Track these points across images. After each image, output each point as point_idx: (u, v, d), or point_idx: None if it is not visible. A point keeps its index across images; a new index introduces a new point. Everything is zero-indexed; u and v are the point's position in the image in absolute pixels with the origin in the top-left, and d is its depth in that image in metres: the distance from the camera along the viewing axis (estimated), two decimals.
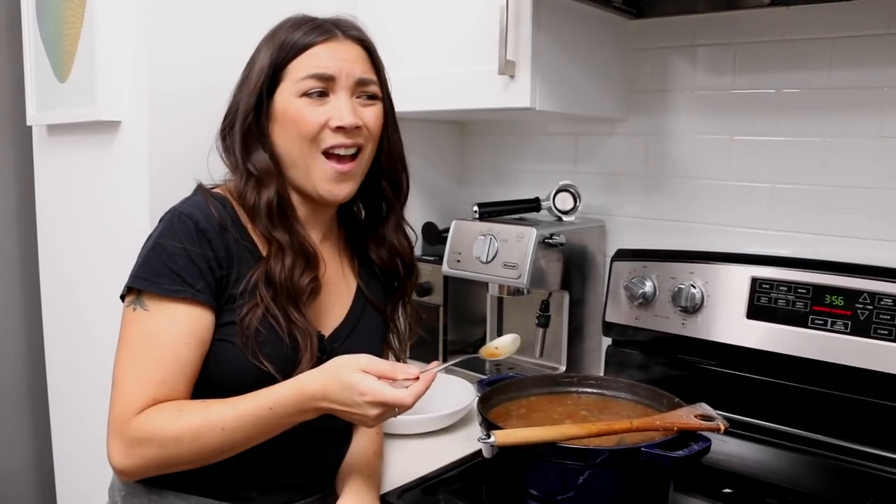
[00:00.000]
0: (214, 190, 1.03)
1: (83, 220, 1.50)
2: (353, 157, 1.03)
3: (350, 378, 0.89)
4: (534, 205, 1.67)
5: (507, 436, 0.95)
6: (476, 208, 1.60)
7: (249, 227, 1.01)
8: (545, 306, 1.61)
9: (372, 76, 1.05)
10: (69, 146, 1.52)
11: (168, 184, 1.34)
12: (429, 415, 1.37)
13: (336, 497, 1.07)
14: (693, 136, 1.57)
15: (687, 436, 1.02)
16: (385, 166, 1.10)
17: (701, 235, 1.58)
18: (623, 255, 1.59)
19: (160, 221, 0.99)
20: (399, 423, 1.29)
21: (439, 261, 1.73)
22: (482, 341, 1.84)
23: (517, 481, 1.05)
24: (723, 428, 1.02)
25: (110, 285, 1.43)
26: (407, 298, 1.18)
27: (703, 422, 1.03)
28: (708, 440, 1.00)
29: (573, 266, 1.63)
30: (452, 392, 1.47)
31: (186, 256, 0.93)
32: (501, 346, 1.09)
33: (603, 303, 1.68)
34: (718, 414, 1.06)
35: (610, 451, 0.99)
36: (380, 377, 0.89)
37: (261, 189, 1.00)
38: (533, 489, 1.03)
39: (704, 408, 1.08)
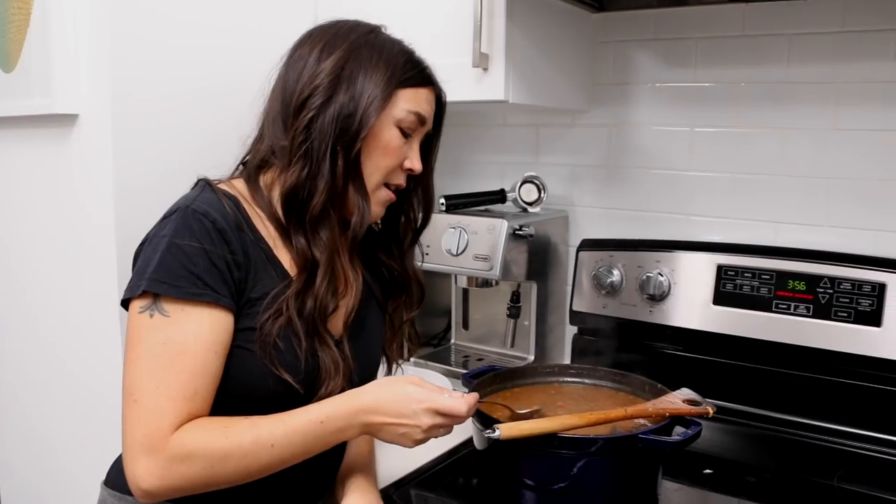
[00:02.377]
0: (220, 186, 0.98)
1: (35, 218, 1.42)
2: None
3: (406, 388, 0.91)
4: (499, 196, 1.68)
5: (511, 429, 0.95)
6: (443, 200, 1.59)
7: (261, 228, 0.97)
8: (516, 297, 1.62)
9: (433, 130, 1.09)
10: (18, 140, 1.43)
11: (134, 179, 1.30)
12: None
13: (335, 501, 1.05)
14: (655, 127, 1.62)
15: (674, 421, 1.06)
16: (423, 197, 1.12)
17: (663, 224, 1.62)
18: (588, 244, 1.62)
19: (166, 218, 0.93)
20: None
21: None
22: (447, 332, 1.85)
23: (512, 472, 1.06)
24: (711, 412, 1.06)
25: (69, 287, 1.38)
26: (411, 317, 1.18)
27: (692, 407, 1.07)
28: (699, 424, 1.03)
29: (538, 257, 1.65)
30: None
31: (206, 257, 0.89)
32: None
33: (567, 292, 1.71)
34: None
35: (606, 440, 1.01)
36: None
37: (346, 204, 1.00)
38: (529, 479, 1.04)
39: (690, 393, 1.12)
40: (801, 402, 1.36)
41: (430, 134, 1.08)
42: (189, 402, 0.86)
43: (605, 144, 1.68)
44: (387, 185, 1.03)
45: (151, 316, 0.87)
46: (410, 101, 1.01)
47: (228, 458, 0.86)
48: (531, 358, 1.66)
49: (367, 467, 1.11)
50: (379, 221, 1.14)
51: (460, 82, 1.39)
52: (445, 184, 1.93)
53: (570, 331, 1.69)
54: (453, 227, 1.55)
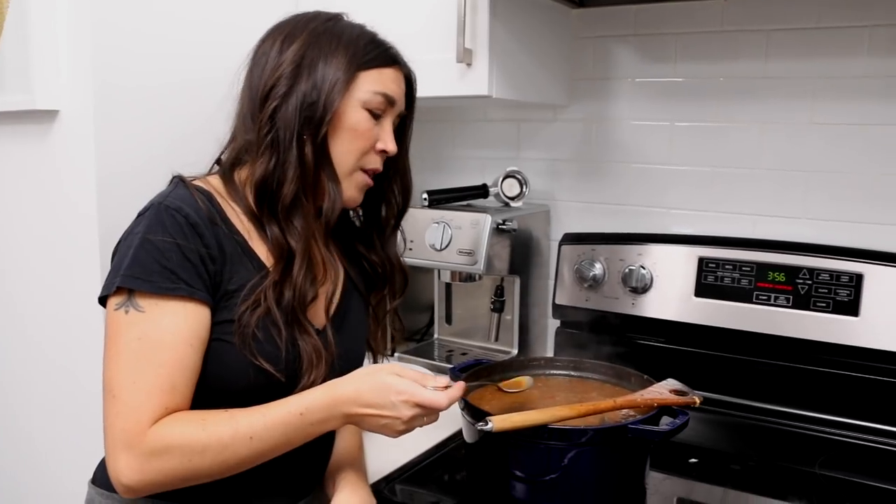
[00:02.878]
0: (194, 182, 0.98)
1: (16, 217, 1.39)
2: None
3: (386, 379, 0.90)
4: (481, 191, 1.68)
5: (504, 421, 0.96)
6: (425, 195, 1.60)
7: (236, 221, 0.97)
8: (500, 291, 1.63)
9: (406, 112, 1.08)
10: None
11: (117, 176, 1.28)
12: None
13: (326, 497, 1.05)
14: (635, 122, 1.63)
15: (662, 411, 1.07)
16: (402, 178, 1.12)
17: (643, 218, 1.64)
18: (570, 238, 1.63)
19: (140, 216, 0.93)
20: None
21: None
22: (429, 328, 1.85)
23: (502, 464, 1.06)
24: (698, 402, 1.08)
25: (52, 285, 1.36)
26: (395, 304, 1.18)
27: (679, 397, 1.08)
28: (686, 414, 1.04)
29: (520, 251, 1.65)
30: None
31: (179, 252, 0.89)
32: (525, 381, 1.16)
33: (548, 286, 1.73)
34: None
35: (596, 430, 1.02)
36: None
37: (317, 191, 0.98)
38: (519, 471, 1.05)
39: (676, 384, 1.13)
40: (782, 391, 1.39)
41: (403, 116, 1.08)
42: (167, 395, 0.86)
43: (586, 139, 1.70)
44: (363, 170, 1.03)
45: (127, 312, 0.87)
46: (375, 83, 1.00)
47: (206, 450, 0.86)
48: (515, 352, 1.67)
49: (357, 462, 1.11)
50: (360, 211, 1.14)
51: (443, 77, 1.40)
52: (427, 179, 1.93)
53: (553, 324, 1.71)
54: (437, 222, 1.55)
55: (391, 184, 1.11)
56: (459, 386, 0.95)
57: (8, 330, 1.46)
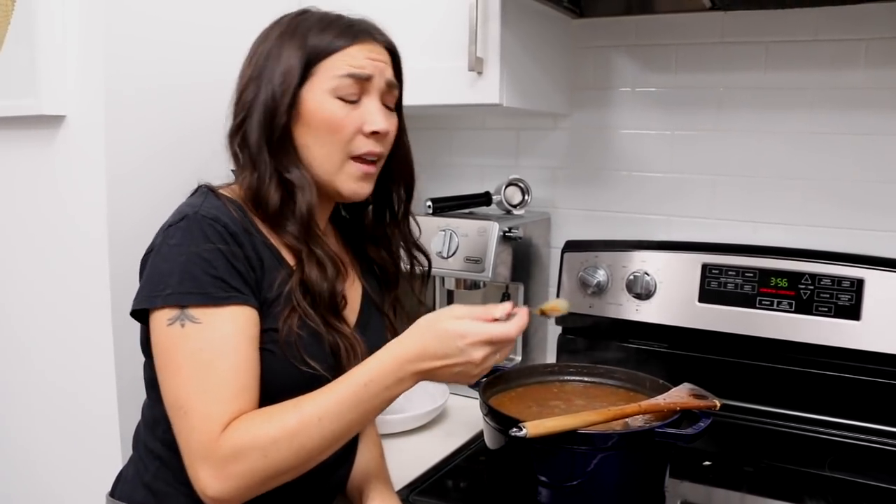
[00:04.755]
0: (222, 192, 0.97)
1: (19, 226, 1.36)
2: (374, 163, 1.01)
3: (447, 325, 0.86)
4: (484, 199, 1.69)
5: (537, 427, 0.97)
6: (429, 203, 1.60)
7: (265, 231, 0.96)
8: (506, 298, 1.64)
9: (396, 82, 1.04)
10: None
11: (127, 185, 1.26)
12: (408, 413, 1.37)
13: None
14: (635, 131, 1.66)
15: (682, 416, 1.09)
16: (403, 172, 1.09)
17: (643, 226, 1.67)
18: (573, 246, 1.65)
19: (170, 227, 0.91)
20: (378, 422, 1.27)
21: None
22: None
23: (526, 470, 1.07)
24: (718, 405, 1.10)
25: (56, 299, 1.32)
26: (422, 287, 1.16)
27: (700, 401, 1.10)
28: (709, 417, 1.06)
29: (521, 258, 1.66)
30: (424, 388, 1.46)
31: (224, 259, 0.87)
32: (562, 305, 1.06)
33: (549, 293, 1.74)
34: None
35: (623, 434, 1.04)
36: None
37: (296, 196, 0.95)
38: (544, 476, 1.06)
39: (694, 388, 1.15)
40: (785, 394, 1.42)
41: (394, 87, 1.03)
42: (238, 398, 0.85)
43: (586, 148, 1.72)
44: (355, 158, 0.99)
45: (183, 326, 0.85)
46: (339, 66, 0.96)
47: (278, 441, 0.83)
48: (518, 359, 1.68)
49: (384, 472, 1.11)
50: (370, 207, 1.12)
51: (454, 86, 1.41)
52: (424, 186, 1.90)
53: (554, 331, 1.72)
54: (443, 230, 1.56)
55: (393, 178, 1.09)
56: (524, 311, 0.90)
57: (13, 342, 1.42)
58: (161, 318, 0.87)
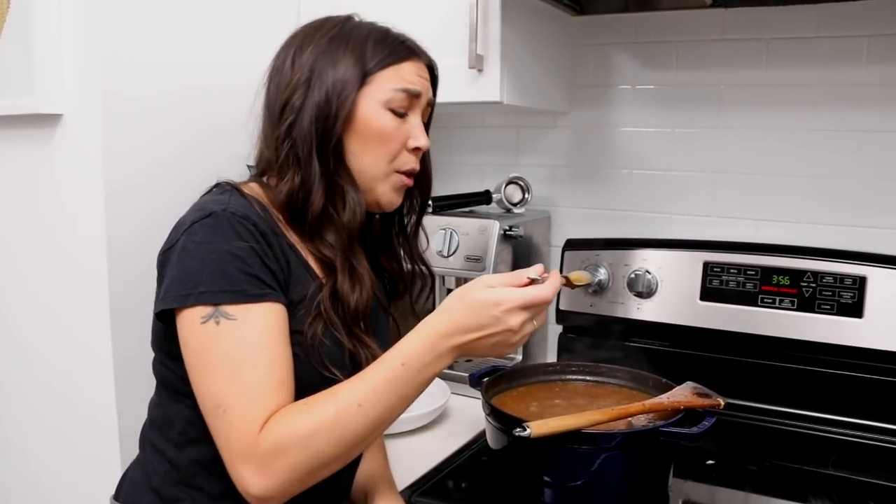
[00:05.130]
0: (244, 190, 0.96)
1: (14, 226, 1.34)
2: (413, 175, 1.03)
3: (479, 295, 0.85)
4: (484, 197, 1.69)
5: (541, 427, 0.96)
6: (429, 202, 1.59)
7: (287, 233, 0.95)
8: None
9: (434, 101, 1.06)
10: None
11: (124, 184, 1.25)
12: (409, 413, 1.35)
13: None
14: (636, 128, 1.65)
15: (686, 415, 1.08)
16: (422, 185, 1.10)
17: (644, 224, 1.66)
18: (574, 244, 1.64)
19: (196, 223, 0.88)
20: None
21: None
22: None
23: (530, 470, 1.06)
24: (722, 404, 1.09)
25: (53, 299, 1.31)
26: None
27: (705, 399, 1.09)
28: (714, 416, 1.05)
29: (522, 257, 1.66)
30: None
31: (256, 256, 0.86)
32: (586, 276, 1.07)
33: None
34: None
35: (627, 434, 1.03)
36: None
37: (346, 205, 0.96)
38: (548, 476, 1.05)
39: (697, 387, 1.15)
40: (788, 393, 1.42)
41: (432, 106, 1.06)
42: (277, 393, 0.84)
43: (587, 145, 1.71)
44: (399, 172, 1.00)
45: (218, 323, 0.84)
46: (394, 80, 0.98)
47: (318, 433, 0.82)
48: (518, 358, 1.67)
49: (388, 475, 1.10)
50: (377, 215, 1.11)
51: (454, 83, 1.39)
52: None
53: (554, 330, 1.71)
54: (443, 229, 1.55)
55: (417, 189, 1.09)
56: (556, 274, 0.89)
57: (9, 344, 1.41)
58: (193, 317, 0.85)
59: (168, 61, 1.31)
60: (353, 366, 0.94)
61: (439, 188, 1.84)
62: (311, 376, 0.90)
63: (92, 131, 1.22)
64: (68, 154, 1.26)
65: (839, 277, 1.37)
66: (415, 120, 1.01)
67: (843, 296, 1.36)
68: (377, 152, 0.98)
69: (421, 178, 1.08)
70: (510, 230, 1.54)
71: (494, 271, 1.52)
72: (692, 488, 1.18)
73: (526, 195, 1.67)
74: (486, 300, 0.84)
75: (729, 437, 1.37)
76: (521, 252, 1.64)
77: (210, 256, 0.85)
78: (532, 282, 0.88)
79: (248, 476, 0.81)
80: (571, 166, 1.74)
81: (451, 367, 1.66)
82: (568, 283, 1.03)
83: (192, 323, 0.85)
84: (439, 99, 1.42)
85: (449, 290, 1.75)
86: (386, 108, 0.98)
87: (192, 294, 0.85)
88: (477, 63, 1.35)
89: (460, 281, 1.62)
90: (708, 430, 1.02)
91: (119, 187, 1.24)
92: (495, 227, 1.51)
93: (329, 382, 0.90)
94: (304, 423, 0.82)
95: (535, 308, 0.86)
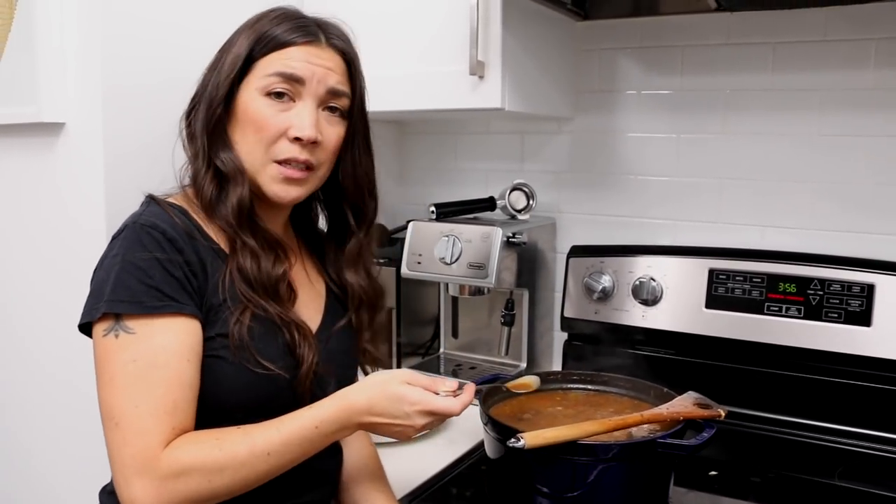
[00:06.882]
0: (168, 199, 0.96)
1: (18, 234, 1.36)
2: (304, 170, 0.97)
3: (398, 390, 0.89)
4: (488, 204, 1.68)
5: (535, 437, 0.95)
6: (433, 209, 1.58)
7: (212, 232, 0.95)
8: (510, 305, 1.62)
9: (345, 89, 0.99)
10: None
11: (126, 192, 1.23)
12: None
13: None
14: (641, 134, 1.64)
15: (686, 425, 1.07)
16: (349, 190, 1.05)
17: (650, 230, 1.64)
18: (578, 251, 1.63)
19: (114, 239, 0.90)
20: None
21: (389, 263, 1.71)
22: (433, 341, 1.83)
23: (526, 480, 1.05)
24: (723, 414, 1.07)
25: (56, 305, 1.32)
26: (368, 326, 1.13)
27: (705, 410, 1.08)
28: (713, 427, 1.04)
29: (526, 263, 1.65)
30: None
31: (161, 268, 0.86)
32: (533, 381, 1.13)
33: (554, 298, 1.72)
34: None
35: (624, 445, 1.02)
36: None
37: (229, 186, 0.95)
38: (544, 486, 1.04)
39: (699, 396, 1.13)
40: (795, 402, 1.40)
41: (341, 94, 0.98)
42: (171, 415, 0.84)
43: (591, 151, 1.70)
44: (278, 162, 0.95)
45: (117, 336, 0.85)
46: (273, 64, 0.94)
47: (225, 469, 0.84)
48: (523, 365, 1.66)
49: (380, 470, 1.11)
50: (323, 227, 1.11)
51: (455, 90, 1.40)
52: (429, 191, 1.92)
53: (559, 337, 1.70)
54: (446, 236, 1.54)
55: (344, 198, 1.06)
56: (470, 389, 0.94)
57: (17, 349, 1.42)
58: (98, 329, 0.86)
59: (169, 69, 1.31)
60: (289, 353, 0.94)
61: (444, 194, 1.85)
62: (243, 377, 0.90)
63: (94, 139, 1.23)
64: (71, 162, 1.27)
65: (847, 285, 1.34)
66: (302, 109, 0.95)
67: (851, 304, 1.34)
68: (252, 140, 0.95)
69: (347, 182, 1.04)
70: (514, 237, 1.53)
71: (498, 279, 1.50)
72: (694, 499, 1.17)
73: (530, 201, 1.66)
74: (404, 396, 0.89)
75: (733, 446, 1.35)
76: (525, 259, 1.63)
77: (115, 269, 0.87)
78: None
79: (139, 492, 0.82)
80: (576, 172, 1.72)
81: (453, 374, 1.67)
82: (510, 390, 1.12)
83: (96, 335, 0.86)
84: (439, 106, 1.44)
85: (454, 298, 1.74)
86: (263, 95, 0.94)
87: (96, 308, 0.86)
88: (478, 69, 1.35)
89: (464, 289, 1.61)
90: (708, 442, 1.01)
91: (120, 193, 1.24)
92: (498, 235, 1.50)
93: (264, 380, 0.90)
94: (214, 458, 0.84)
95: (441, 416, 0.91)
